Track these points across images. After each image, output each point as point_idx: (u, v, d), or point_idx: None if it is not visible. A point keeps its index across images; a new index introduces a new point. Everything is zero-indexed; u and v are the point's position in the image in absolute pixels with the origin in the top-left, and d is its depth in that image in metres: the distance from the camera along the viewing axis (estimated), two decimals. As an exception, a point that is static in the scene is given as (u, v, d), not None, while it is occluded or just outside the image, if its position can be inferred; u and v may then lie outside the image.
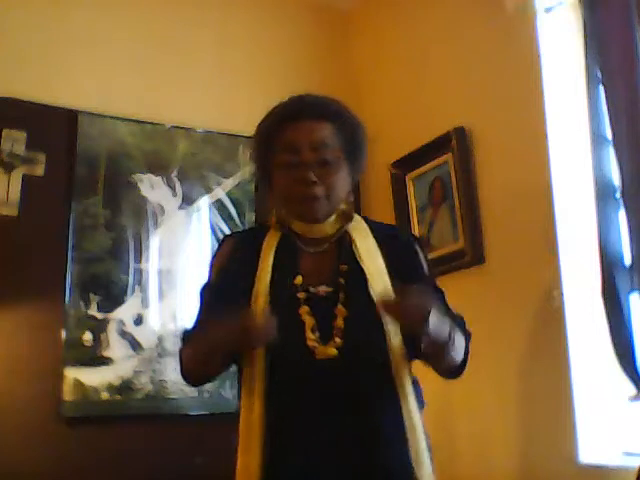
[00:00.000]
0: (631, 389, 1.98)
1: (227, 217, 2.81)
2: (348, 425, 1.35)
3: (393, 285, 1.41)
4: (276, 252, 1.47)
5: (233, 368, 1.48)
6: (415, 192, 2.79)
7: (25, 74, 2.57)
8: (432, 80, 2.77)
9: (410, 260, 1.51)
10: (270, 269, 1.44)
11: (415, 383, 1.47)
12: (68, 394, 2.43)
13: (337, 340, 1.37)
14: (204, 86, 2.90)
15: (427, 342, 1.34)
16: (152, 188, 2.72)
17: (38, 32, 2.62)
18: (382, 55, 3.11)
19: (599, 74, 2.08)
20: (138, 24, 2.83)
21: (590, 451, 2.05)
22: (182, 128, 2.81)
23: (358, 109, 3.43)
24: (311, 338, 1.37)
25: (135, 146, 2.72)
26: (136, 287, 2.61)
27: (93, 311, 2.53)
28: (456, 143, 2.54)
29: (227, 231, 2.77)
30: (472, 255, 2.46)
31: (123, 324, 2.57)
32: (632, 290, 2.00)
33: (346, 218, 1.51)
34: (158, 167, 2.74)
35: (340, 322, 1.39)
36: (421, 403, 1.47)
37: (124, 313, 2.58)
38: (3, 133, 2.50)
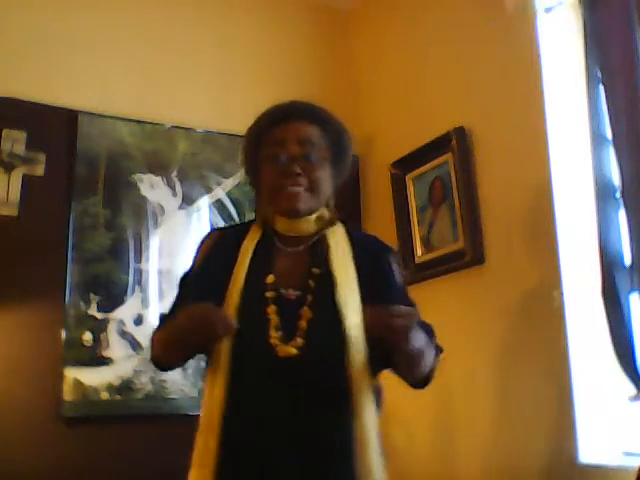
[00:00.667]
0: (631, 389, 1.97)
1: (227, 217, 2.82)
2: (299, 425, 1.40)
3: (361, 295, 1.47)
4: (255, 250, 1.54)
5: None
6: (415, 192, 2.79)
7: (25, 74, 2.58)
8: (432, 80, 2.77)
9: (383, 272, 1.56)
10: (247, 266, 1.50)
11: (377, 390, 1.50)
12: (68, 394, 2.43)
13: (298, 340, 1.42)
14: (204, 86, 2.90)
15: (403, 356, 1.40)
16: (152, 188, 2.72)
17: (38, 32, 2.62)
18: (382, 55, 3.11)
19: (599, 74, 2.08)
20: (138, 24, 2.83)
21: (590, 451, 2.05)
22: (182, 128, 2.81)
23: (358, 109, 3.47)
24: (274, 336, 1.42)
25: (135, 146, 2.72)
26: (136, 287, 2.61)
27: (93, 311, 2.53)
28: (456, 143, 2.54)
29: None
30: (472, 255, 2.46)
31: (123, 324, 2.57)
32: (632, 290, 2.00)
33: (326, 221, 1.57)
34: (158, 167, 2.74)
35: (303, 323, 1.44)
36: (378, 407, 1.50)
37: (124, 313, 2.58)
38: (3, 133, 2.50)
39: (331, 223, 1.57)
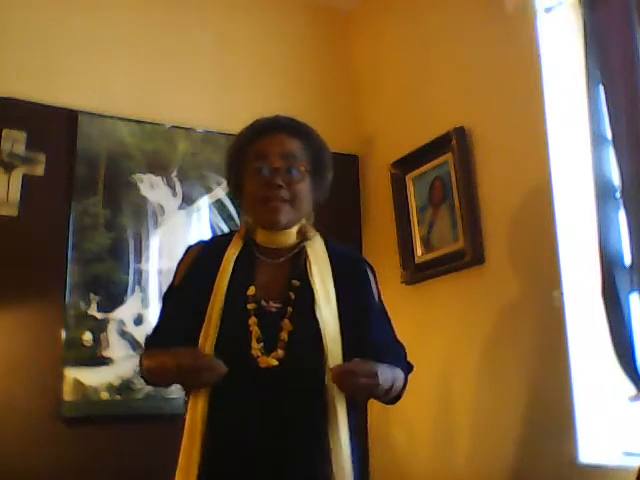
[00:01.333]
0: (631, 389, 1.97)
1: (227, 217, 2.82)
2: (279, 433, 1.44)
3: (339, 307, 1.52)
4: (236, 262, 1.57)
5: None
6: (415, 192, 2.79)
7: (25, 74, 2.57)
8: (432, 80, 2.77)
9: (361, 287, 1.61)
10: (228, 278, 1.54)
11: (352, 405, 1.54)
12: (68, 394, 2.43)
13: (279, 352, 1.46)
14: (204, 86, 2.90)
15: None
16: (152, 188, 2.72)
17: (38, 32, 2.62)
18: (382, 55, 3.11)
19: (599, 74, 2.08)
20: (138, 24, 2.83)
21: (590, 451, 2.05)
22: (182, 128, 2.81)
23: (358, 109, 3.47)
24: (255, 347, 1.46)
25: (135, 146, 2.72)
26: (136, 287, 2.61)
27: (93, 311, 2.53)
28: (456, 143, 2.54)
29: (227, 231, 2.77)
30: (472, 255, 2.46)
31: (123, 324, 2.57)
32: (632, 290, 1.99)
33: (306, 235, 1.61)
34: (158, 167, 2.75)
35: (284, 335, 1.48)
36: (354, 413, 1.54)
37: (124, 313, 2.58)
38: (3, 133, 2.50)
39: (309, 236, 1.61)
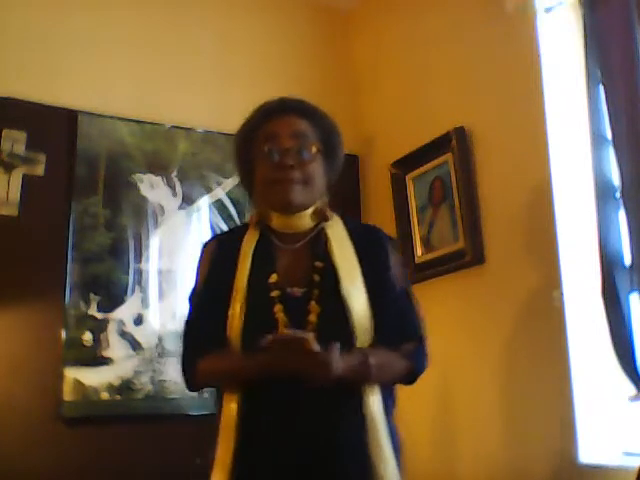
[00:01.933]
0: (631, 389, 1.97)
1: (227, 217, 2.82)
2: (312, 422, 1.40)
3: (364, 284, 1.49)
4: (254, 251, 1.54)
5: None
6: (415, 192, 2.79)
7: (25, 74, 2.57)
8: (432, 80, 2.77)
9: (382, 261, 1.56)
10: (248, 268, 1.51)
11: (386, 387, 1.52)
12: (68, 394, 2.43)
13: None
14: (204, 86, 2.90)
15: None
16: (152, 188, 2.72)
17: (38, 32, 2.62)
18: (382, 55, 3.11)
19: (599, 74, 2.08)
20: (138, 24, 2.83)
21: (590, 451, 2.05)
22: (182, 128, 2.81)
23: (358, 109, 3.46)
24: None
25: (135, 146, 2.72)
26: (136, 287, 2.61)
27: (93, 311, 2.53)
28: (456, 143, 2.54)
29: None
30: (472, 255, 2.46)
31: (123, 324, 2.57)
32: (632, 290, 2.00)
33: (322, 216, 1.57)
34: (158, 167, 2.74)
35: (313, 318, 1.44)
36: (391, 399, 1.53)
37: (124, 313, 2.58)
38: (3, 133, 2.50)
39: (326, 217, 1.57)
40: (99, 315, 2.54)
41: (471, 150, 2.52)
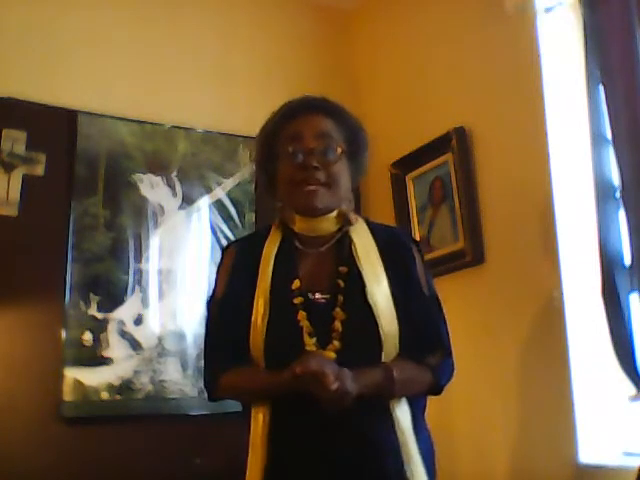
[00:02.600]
0: (631, 389, 1.98)
1: (227, 217, 2.81)
2: (342, 428, 1.36)
3: (390, 289, 1.44)
4: (276, 256, 1.49)
5: None
6: (415, 192, 2.79)
7: (25, 74, 2.57)
8: (432, 80, 2.77)
9: (407, 266, 1.52)
10: (270, 274, 1.46)
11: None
12: (68, 394, 2.42)
13: (335, 343, 1.38)
14: (204, 86, 2.90)
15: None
16: (152, 188, 2.72)
17: (38, 32, 2.62)
18: (382, 55, 3.11)
19: (599, 74, 2.08)
20: (138, 24, 2.83)
21: (590, 451, 2.05)
22: (182, 128, 2.81)
23: (358, 109, 3.42)
24: (309, 343, 1.38)
25: (135, 146, 2.72)
26: (136, 287, 2.61)
27: (93, 311, 2.53)
28: (456, 143, 2.54)
29: (227, 231, 2.77)
30: (472, 255, 2.46)
31: (123, 324, 2.57)
32: (632, 290, 2.00)
33: (347, 219, 1.52)
34: (158, 167, 2.74)
35: (338, 325, 1.40)
36: (420, 403, 1.49)
37: (124, 313, 2.57)
38: (3, 133, 2.50)
39: (350, 220, 1.52)
40: (99, 315, 2.54)
41: (471, 150, 2.52)
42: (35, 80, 2.58)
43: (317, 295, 1.44)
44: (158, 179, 2.74)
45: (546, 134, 2.23)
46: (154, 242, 2.68)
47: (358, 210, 3.13)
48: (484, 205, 2.47)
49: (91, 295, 2.53)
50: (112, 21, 2.77)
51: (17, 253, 2.45)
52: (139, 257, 2.64)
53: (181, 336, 2.63)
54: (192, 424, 2.58)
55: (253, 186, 2.83)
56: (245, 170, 2.85)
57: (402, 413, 1.41)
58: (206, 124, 2.85)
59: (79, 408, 2.44)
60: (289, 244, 1.51)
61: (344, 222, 1.52)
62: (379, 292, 1.43)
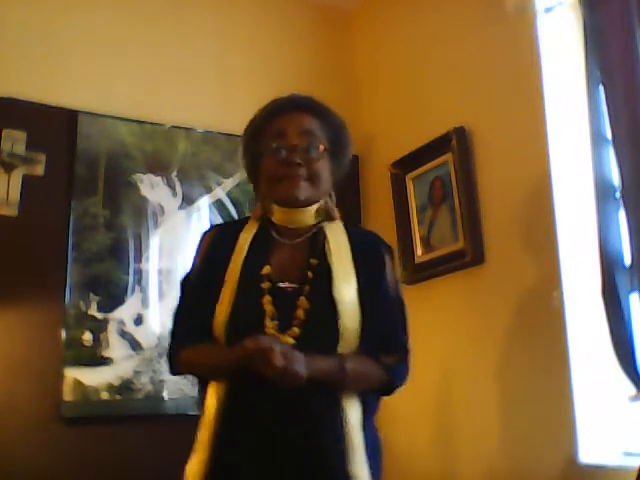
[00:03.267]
0: (631, 389, 1.97)
1: (227, 217, 2.81)
2: (292, 409, 1.40)
3: (358, 288, 1.49)
4: (252, 243, 1.55)
5: None
6: (415, 192, 2.79)
7: (25, 74, 2.57)
8: (432, 80, 2.77)
9: (377, 269, 1.57)
10: (242, 259, 1.52)
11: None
12: (68, 394, 2.43)
13: (295, 330, 1.43)
14: (204, 86, 2.90)
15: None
16: (152, 188, 2.72)
17: (38, 32, 2.62)
18: (382, 55, 3.11)
19: (599, 74, 2.08)
20: (138, 24, 2.83)
21: (590, 451, 2.05)
22: (182, 128, 2.81)
23: (358, 109, 3.46)
24: (269, 326, 1.43)
25: (135, 146, 2.72)
26: (136, 287, 2.61)
27: (93, 311, 2.53)
28: (456, 143, 2.54)
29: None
30: (472, 255, 2.46)
31: (123, 324, 2.57)
32: (632, 290, 2.00)
33: (327, 214, 1.58)
34: (158, 167, 2.74)
35: (300, 313, 1.45)
36: (372, 405, 1.53)
37: (124, 313, 2.58)
38: (3, 133, 2.50)
39: (330, 217, 1.59)
40: (99, 315, 2.54)
41: (471, 150, 2.52)
42: (35, 80, 2.59)
43: (286, 284, 1.49)
44: (158, 179, 2.74)
45: (546, 134, 2.23)
46: (154, 242, 2.68)
47: (358, 210, 3.17)
48: (484, 205, 2.47)
49: (91, 295, 2.53)
50: (112, 21, 2.77)
51: (17, 253, 2.45)
52: (139, 257, 2.64)
53: (181, 336, 2.63)
54: (192, 424, 2.57)
55: (253, 186, 2.83)
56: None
57: (352, 408, 1.46)
58: (206, 124, 2.85)
59: (79, 408, 2.44)
60: (265, 233, 1.57)
61: (324, 216, 1.58)
62: (346, 288, 1.49)
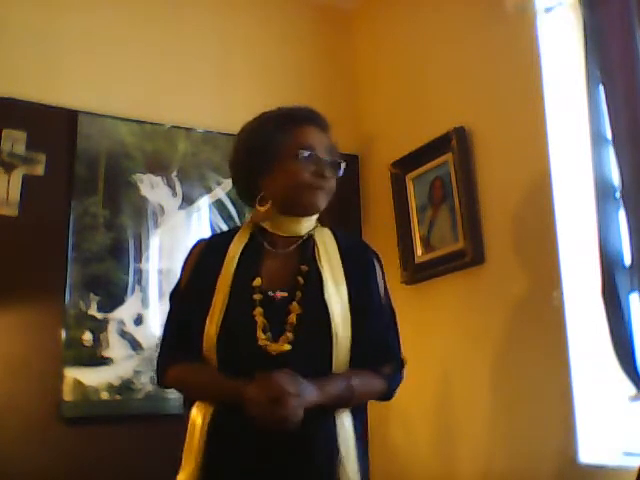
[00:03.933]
0: (631, 389, 1.97)
1: (227, 217, 2.81)
2: (282, 436, 1.39)
3: (348, 292, 1.52)
4: (242, 253, 1.56)
5: None
6: (415, 192, 2.78)
7: (25, 74, 2.57)
8: (432, 80, 2.77)
9: (367, 275, 1.60)
10: (233, 271, 1.53)
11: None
12: (68, 394, 2.43)
13: (289, 335, 1.45)
14: (204, 86, 2.90)
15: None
16: (152, 188, 2.72)
17: (38, 32, 2.62)
18: (382, 55, 3.11)
19: (599, 74, 2.08)
20: (138, 24, 2.83)
21: (590, 451, 2.05)
22: (182, 128, 2.81)
23: (358, 109, 3.46)
24: (262, 338, 1.44)
25: (135, 146, 2.72)
26: (136, 287, 2.61)
27: (93, 311, 2.53)
28: (456, 143, 2.54)
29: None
30: (472, 255, 2.46)
31: (123, 324, 2.57)
32: (632, 290, 2.00)
33: (319, 222, 1.64)
34: (158, 167, 2.74)
35: (293, 318, 1.47)
36: (362, 414, 1.55)
37: (124, 313, 2.58)
38: (3, 133, 2.50)
39: (320, 223, 1.64)
40: (99, 315, 2.54)
41: (471, 150, 2.52)
42: (35, 80, 2.59)
43: (277, 292, 1.51)
44: (158, 179, 2.74)
45: (546, 134, 2.23)
46: (154, 242, 2.68)
47: (358, 210, 3.16)
48: (484, 205, 2.47)
49: (91, 295, 2.53)
50: (112, 21, 2.77)
51: (17, 253, 2.45)
52: (139, 257, 2.64)
53: (181, 336, 2.63)
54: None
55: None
56: (245, 170, 2.85)
57: (346, 421, 1.47)
58: (206, 124, 2.85)
59: (79, 408, 2.44)
60: (256, 244, 1.59)
61: (315, 224, 1.63)
62: (337, 292, 1.51)
